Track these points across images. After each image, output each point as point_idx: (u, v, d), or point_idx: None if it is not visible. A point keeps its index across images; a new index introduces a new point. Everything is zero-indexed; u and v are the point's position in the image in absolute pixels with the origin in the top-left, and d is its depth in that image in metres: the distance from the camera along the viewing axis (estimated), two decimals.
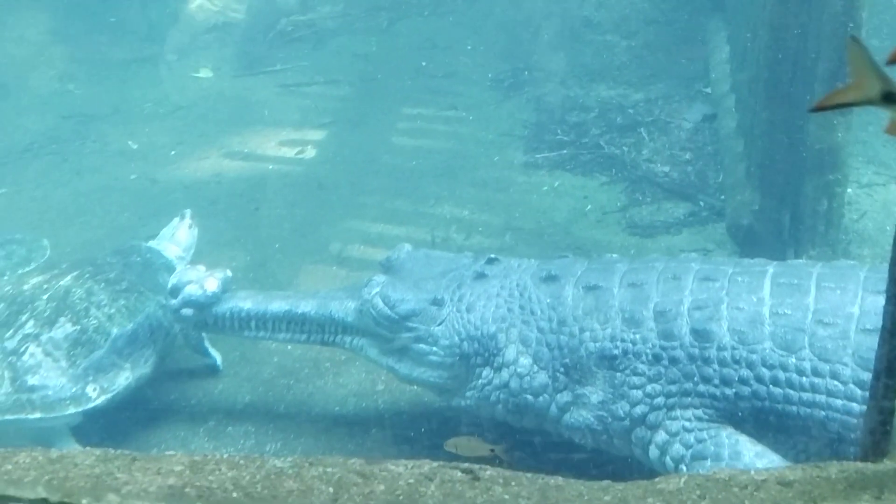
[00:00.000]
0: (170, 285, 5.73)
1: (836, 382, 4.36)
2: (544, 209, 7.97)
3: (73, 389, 5.49)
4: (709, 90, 9.18)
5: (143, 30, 11.85)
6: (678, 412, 4.66)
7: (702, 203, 7.74)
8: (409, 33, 11.80)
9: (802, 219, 6.39)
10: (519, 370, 5.00)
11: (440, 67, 10.87)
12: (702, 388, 4.60)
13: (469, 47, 11.21)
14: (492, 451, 5.01)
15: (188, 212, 7.06)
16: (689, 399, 4.63)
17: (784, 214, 6.58)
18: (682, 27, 10.35)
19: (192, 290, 5.63)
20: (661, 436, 4.70)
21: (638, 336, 4.71)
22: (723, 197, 7.64)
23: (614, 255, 5.41)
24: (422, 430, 5.64)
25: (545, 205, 8.05)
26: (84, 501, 1.80)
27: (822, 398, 4.38)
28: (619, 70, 10.11)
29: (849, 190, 6.85)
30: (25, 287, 5.94)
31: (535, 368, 4.96)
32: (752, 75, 7.07)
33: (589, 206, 7.93)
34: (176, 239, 6.90)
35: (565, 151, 8.76)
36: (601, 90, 9.79)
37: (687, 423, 4.64)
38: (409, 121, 9.80)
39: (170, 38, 11.87)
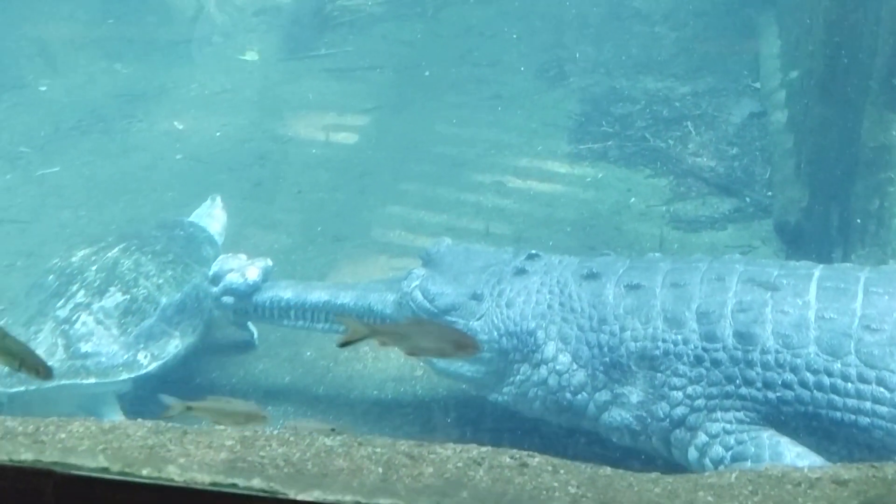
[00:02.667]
0: (211, 273, 5.83)
1: (882, 389, 4.30)
2: (587, 201, 7.92)
3: (126, 356, 5.62)
4: (758, 85, 9.05)
5: (191, 11, 11.93)
6: (719, 414, 4.62)
7: (748, 199, 7.64)
8: (454, 21, 11.76)
9: (852, 217, 6.28)
10: (558, 367, 4.98)
11: (485, 56, 10.82)
12: (744, 391, 4.55)
13: (514, 36, 11.14)
14: (332, 430, 4.90)
15: (218, 196, 7.14)
16: (731, 402, 4.59)
17: (833, 212, 6.47)
18: (732, 20, 10.20)
19: (233, 279, 5.72)
20: (700, 438, 4.67)
21: (680, 337, 4.68)
22: (770, 193, 7.53)
23: (657, 254, 5.36)
24: (460, 418, 5.65)
25: (588, 196, 7.99)
26: (144, 472, 1.82)
27: (867, 405, 4.32)
28: (666, 62, 10.00)
29: None
30: (74, 259, 6.07)
31: (575, 366, 4.94)
32: (805, 70, 6.95)
33: (633, 199, 7.86)
34: (212, 220, 6.98)
35: (610, 143, 8.69)
36: (648, 82, 9.69)
37: (727, 426, 4.60)
38: (452, 109, 9.77)
39: (217, 20, 11.94)
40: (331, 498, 1.69)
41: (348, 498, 1.70)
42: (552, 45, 10.76)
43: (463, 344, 3.49)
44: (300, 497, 1.71)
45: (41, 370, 2.61)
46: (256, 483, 1.76)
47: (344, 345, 2.72)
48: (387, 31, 11.77)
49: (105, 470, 1.87)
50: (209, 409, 2.98)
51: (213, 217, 6.99)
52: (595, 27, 10.75)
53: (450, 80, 10.37)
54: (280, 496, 1.72)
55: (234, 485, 1.77)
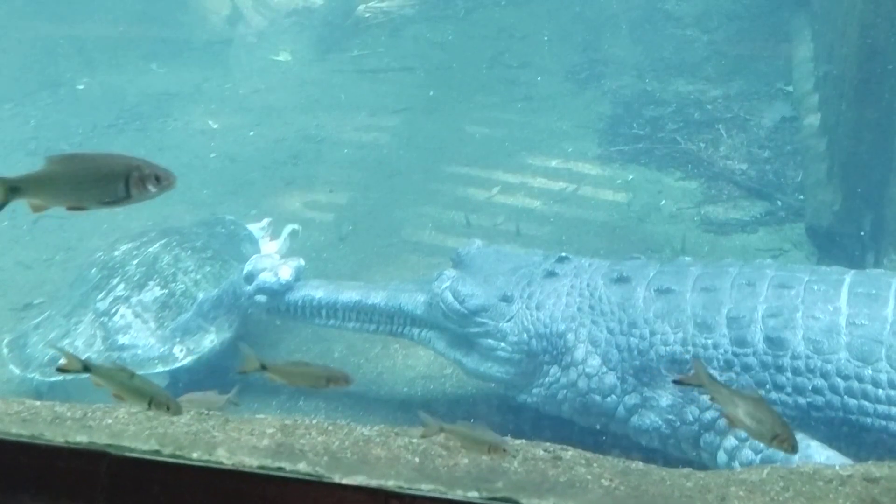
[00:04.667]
0: (244, 272, 5.91)
1: None
2: (618, 203, 7.93)
3: (162, 349, 5.73)
4: (790, 88, 9.01)
5: (226, 12, 12.08)
6: None
7: (779, 202, 7.61)
8: (485, 22, 11.81)
9: (885, 222, 6.24)
10: (587, 370, 5.00)
11: (516, 57, 10.86)
12: (774, 395, 4.55)
13: (545, 38, 11.17)
14: (229, 399, 4.84)
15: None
16: None
17: (866, 216, 6.44)
18: (764, 24, 10.16)
19: (266, 278, 5.79)
20: (730, 441, 4.67)
21: (710, 341, 4.68)
22: (801, 197, 7.50)
23: (687, 258, 5.36)
24: (490, 416, 5.68)
25: (619, 198, 8.00)
26: (195, 454, 1.89)
27: None
28: (698, 65, 9.98)
29: None
30: (116, 253, 6.20)
31: (604, 369, 4.96)
32: (839, 73, 6.92)
33: (663, 202, 7.86)
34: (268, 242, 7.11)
35: (641, 145, 8.69)
36: (679, 85, 9.68)
37: None
38: (483, 110, 9.82)
39: (251, 21, 12.08)
40: (374, 483, 1.74)
41: (391, 483, 1.76)
42: (583, 48, 10.79)
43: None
44: (345, 481, 1.76)
45: (171, 406, 2.54)
46: (302, 467, 1.82)
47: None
48: (418, 32, 11.85)
49: (157, 452, 1.94)
50: (456, 433, 2.91)
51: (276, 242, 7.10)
52: (627, 30, 10.75)
53: (480, 82, 10.43)
54: (325, 480, 1.78)
55: (280, 468, 1.83)
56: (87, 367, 2.69)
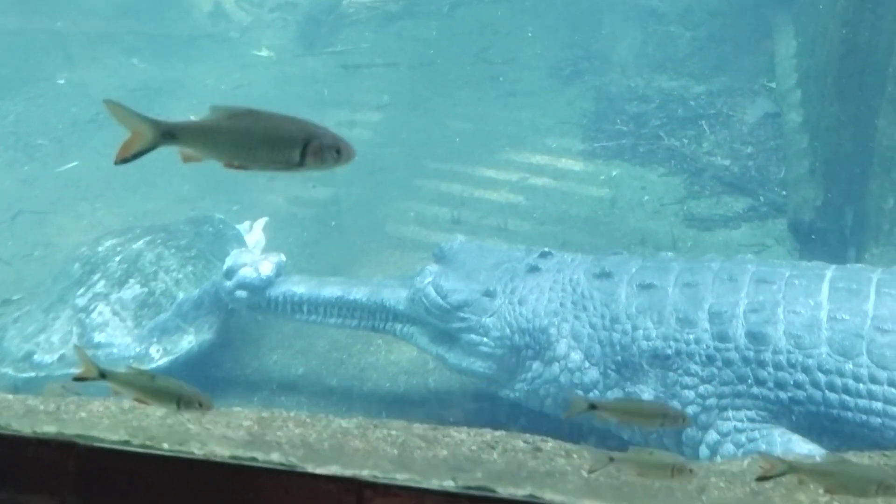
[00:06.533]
0: (225, 268, 5.85)
1: (893, 390, 4.31)
2: (601, 198, 7.93)
3: (138, 349, 5.67)
4: (773, 85, 9.03)
5: (209, 7, 12.00)
6: (730, 413, 4.63)
7: (762, 198, 7.63)
8: (469, 18, 11.78)
9: (866, 217, 6.27)
10: (570, 365, 5.01)
11: (500, 53, 10.84)
12: (755, 390, 4.57)
13: (530, 34, 11.15)
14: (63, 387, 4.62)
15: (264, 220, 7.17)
16: (742, 401, 4.61)
17: (847, 212, 6.46)
18: (747, 20, 10.16)
19: (246, 273, 5.74)
20: (712, 436, 4.68)
21: (692, 336, 4.70)
22: (784, 192, 7.52)
23: (669, 254, 5.38)
24: (473, 410, 5.66)
25: (602, 194, 8.00)
26: (166, 445, 1.86)
27: (878, 405, 4.33)
28: (681, 61, 9.99)
29: None
30: (99, 249, 6.14)
31: (587, 364, 4.97)
32: (820, 70, 6.94)
33: (646, 197, 7.86)
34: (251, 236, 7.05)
35: (624, 141, 8.69)
36: (663, 81, 9.69)
37: (739, 424, 4.62)
38: (466, 105, 9.79)
39: (234, 16, 12.00)
40: (348, 472, 1.72)
41: (365, 472, 1.73)
42: (567, 44, 10.77)
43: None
44: (318, 471, 1.74)
45: (203, 402, 2.36)
46: (275, 457, 1.79)
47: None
48: (402, 28, 11.80)
49: (126, 443, 1.90)
50: (631, 460, 2.72)
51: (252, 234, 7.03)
52: (610, 26, 10.75)
53: (464, 78, 10.40)
54: (298, 470, 1.75)
55: (253, 458, 1.80)
56: (103, 374, 2.48)
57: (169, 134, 2.33)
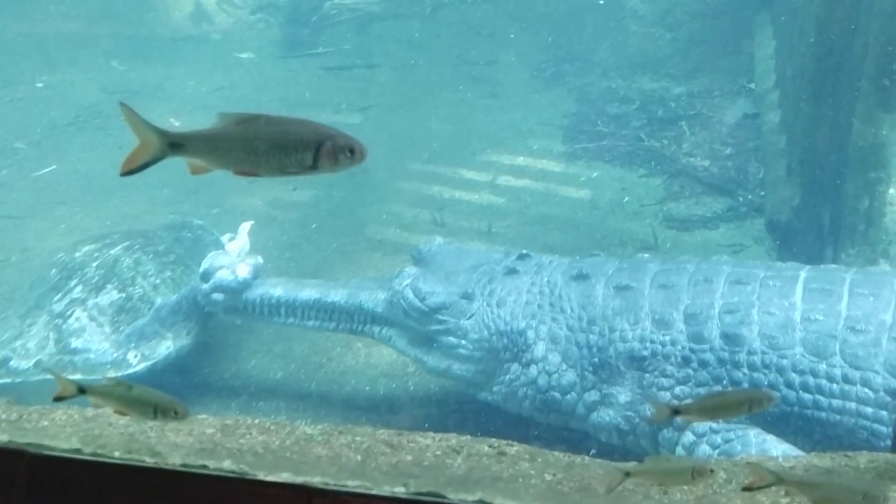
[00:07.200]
0: (201, 270, 5.81)
1: (866, 390, 4.32)
2: (582, 199, 7.94)
3: (115, 354, 5.63)
4: (753, 85, 9.07)
5: (189, 9, 11.95)
6: None
7: (741, 198, 7.66)
8: (451, 20, 11.79)
9: (842, 216, 6.29)
10: (547, 367, 5.01)
11: (482, 55, 10.86)
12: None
13: (512, 36, 11.18)
14: None
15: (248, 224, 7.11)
16: None
17: (824, 212, 6.48)
18: (727, 21, 10.21)
19: (223, 276, 5.69)
20: (688, 437, 4.69)
21: (668, 338, 4.71)
22: (762, 193, 7.55)
23: (646, 255, 5.39)
24: (451, 412, 5.66)
25: (583, 195, 8.01)
26: (116, 453, 1.84)
27: (852, 405, 4.35)
28: (662, 63, 10.03)
29: (891, 190, 6.72)
30: (77, 254, 6.09)
31: (564, 366, 4.97)
32: (797, 71, 6.97)
33: (626, 198, 7.88)
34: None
35: (605, 142, 8.72)
36: (643, 82, 9.72)
37: (714, 425, 4.63)
38: (448, 107, 9.80)
39: (215, 18, 11.96)
40: (299, 479, 1.71)
41: (316, 479, 1.72)
42: (549, 45, 10.80)
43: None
44: (269, 478, 1.73)
45: (179, 410, 2.33)
46: (227, 464, 1.78)
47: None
48: (384, 29, 11.80)
49: (77, 451, 1.89)
50: (646, 471, 2.64)
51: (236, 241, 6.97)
52: (592, 27, 10.78)
53: (447, 79, 10.41)
54: (249, 477, 1.74)
55: (204, 466, 1.79)
56: (82, 389, 2.41)
57: (177, 144, 2.29)
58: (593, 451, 4.88)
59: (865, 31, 5.95)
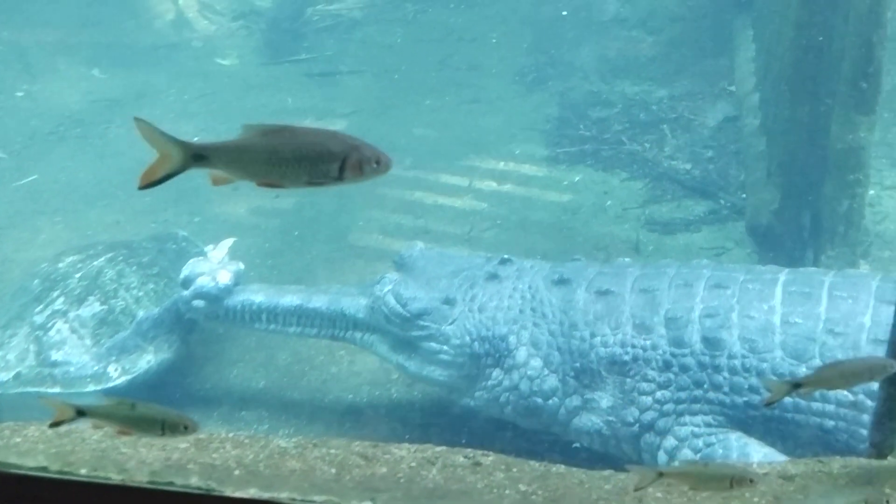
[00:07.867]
0: (182, 276, 5.78)
1: (846, 393, 4.34)
2: (564, 203, 7.95)
3: (95, 368, 5.59)
4: (733, 88, 9.10)
5: (170, 16, 11.92)
6: (687, 418, 4.66)
7: (722, 201, 7.69)
8: (434, 25, 11.79)
9: (822, 219, 6.32)
10: (529, 372, 5.01)
11: (464, 60, 10.86)
12: (712, 395, 4.60)
13: (494, 40, 11.19)
14: None
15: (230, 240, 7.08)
16: (699, 406, 4.63)
17: (804, 214, 6.52)
18: (708, 25, 10.25)
19: (204, 282, 5.66)
20: (670, 441, 4.70)
21: (648, 342, 4.72)
22: (744, 195, 7.58)
23: (626, 259, 5.40)
24: (435, 420, 5.65)
25: (565, 199, 8.02)
26: (83, 471, 1.83)
27: (831, 408, 4.36)
28: (643, 66, 10.05)
29: (871, 192, 6.77)
30: (60, 265, 6.05)
31: (546, 371, 4.97)
32: (776, 74, 7.00)
33: (609, 202, 7.90)
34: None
35: (587, 147, 8.73)
36: (625, 86, 9.75)
37: (696, 429, 4.64)
38: (431, 112, 9.80)
39: (196, 25, 11.93)
40: (266, 495, 1.70)
41: (284, 495, 1.71)
42: (531, 50, 10.81)
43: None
44: (236, 494, 1.72)
45: (189, 425, 2.27)
46: (194, 481, 1.77)
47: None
48: (367, 35, 11.79)
49: (44, 469, 1.87)
50: (683, 474, 2.59)
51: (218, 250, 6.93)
52: (573, 32, 10.79)
53: (429, 85, 10.40)
54: (216, 493, 1.73)
55: (170, 482, 1.78)
56: (81, 412, 2.32)
57: (199, 156, 2.26)
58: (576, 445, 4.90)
59: (843, 35, 5.99)
